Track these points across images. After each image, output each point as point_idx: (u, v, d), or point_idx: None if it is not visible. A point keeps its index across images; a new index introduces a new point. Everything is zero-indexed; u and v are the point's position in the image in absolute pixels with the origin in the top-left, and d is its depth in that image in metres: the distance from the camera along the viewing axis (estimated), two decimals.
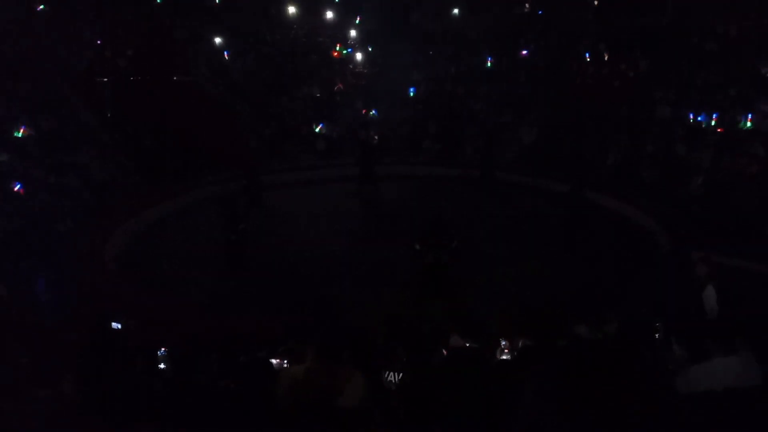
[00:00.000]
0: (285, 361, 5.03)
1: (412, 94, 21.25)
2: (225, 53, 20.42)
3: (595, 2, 21.80)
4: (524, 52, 21.51)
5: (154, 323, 7.67)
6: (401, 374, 4.39)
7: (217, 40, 20.83)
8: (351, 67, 22.47)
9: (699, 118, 16.04)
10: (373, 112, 20.63)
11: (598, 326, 5.68)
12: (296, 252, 11.64)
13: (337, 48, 22.57)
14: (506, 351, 5.38)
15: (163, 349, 4.94)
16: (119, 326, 6.46)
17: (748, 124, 15.01)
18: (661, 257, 11.20)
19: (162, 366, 5.00)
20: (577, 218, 11.76)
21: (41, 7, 18.51)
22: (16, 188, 12.38)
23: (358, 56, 22.50)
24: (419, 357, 4.95)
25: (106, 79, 18.32)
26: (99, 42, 19.00)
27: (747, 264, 10.26)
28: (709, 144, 14.83)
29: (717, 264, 7.22)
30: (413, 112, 20.63)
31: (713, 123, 15.74)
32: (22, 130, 14.48)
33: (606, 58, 19.76)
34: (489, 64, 21.63)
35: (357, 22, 23.19)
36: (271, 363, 4.95)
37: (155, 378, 4.88)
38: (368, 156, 15.71)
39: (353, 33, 23.20)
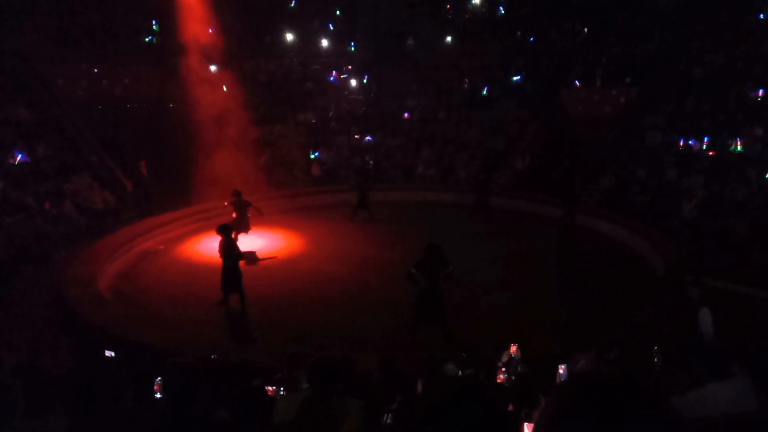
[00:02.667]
0: (280, 390, 4.99)
1: (405, 119, 21.51)
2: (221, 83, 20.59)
3: (585, 30, 22.21)
4: (515, 79, 21.84)
5: (147, 352, 7.58)
6: (396, 407, 4.35)
7: (212, 68, 21.03)
8: (346, 93, 22.74)
9: (691, 142, 16.25)
10: (368, 138, 20.83)
11: (599, 354, 5.68)
12: (291, 279, 11.60)
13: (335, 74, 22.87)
14: (503, 377, 5.34)
15: (158, 378, 4.87)
16: (112, 354, 6.40)
17: (739, 148, 15.20)
18: (655, 281, 11.22)
19: (157, 396, 4.93)
20: (570, 243, 11.78)
21: (31, 39, 18.72)
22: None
23: (353, 83, 22.80)
24: (413, 391, 4.91)
25: (102, 107, 18.48)
26: (95, 71, 19.21)
27: (739, 287, 10.31)
28: (700, 169, 15.00)
29: (709, 287, 7.25)
30: (407, 139, 20.85)
31: (703, 148, 15.95)
32: (18, 159, 14.51)
33: (596, 85, 20.08)
34: (483, 92, 21.92)
35: (352, 49, 23.54)
36: (266, 392, 4.90)
37: (148, 408, 4.81)
38: (363, 182, 15.81)
39: (347, 62, 23.54)
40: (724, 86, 17.32)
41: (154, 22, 21.68)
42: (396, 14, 22.91)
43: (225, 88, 20.72)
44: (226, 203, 13.24)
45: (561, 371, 5.03)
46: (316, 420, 3.62)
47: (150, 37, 21.44)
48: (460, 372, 5.31)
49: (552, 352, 6.38)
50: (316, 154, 19.87)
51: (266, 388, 4.89)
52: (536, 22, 23.38)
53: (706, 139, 16.06)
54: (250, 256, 12.60)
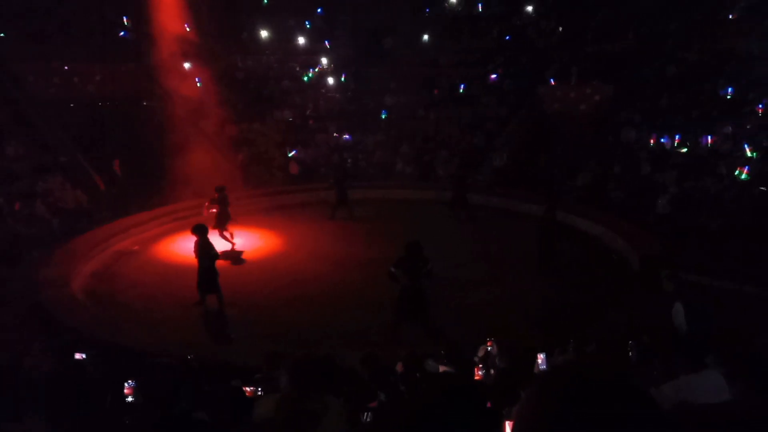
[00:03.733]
0: (258, 390, 4.95)
1: (384, 117, 21.51)
2: (196, 79, 20.34)
3: (560, 29, 22.42)
4: (493, 76, 21.97)
5: (123, 354, 7.47)
6: (377, 405, 4.35)
7: (186, 65, 20.78)
8: (324, 91, 22.64)
9: (663, 140, 16.53)
10: (346, 136, 20.77)
11: (577, 347, 5.76)
12: (270, 277, 11.53)
13: (309, 74, 22.76)
14: (483, 374, 5.37)
15: (130, 381, 4.79)
16: (83, 357, 6.28)
17: (711, 143, 15.51)
18: (632, 276, 11.40)
19: (130, 399, 4.85)
20: (552, 239, 11.85)
21: (2, 35, 18.30)
22: None
23: (330, 81, 22.69)
24: (395, 389, 4.91)
25: (74, 105, 18.11)
26: (66, 68, 18.81)
27: (713, 281, 10.51)
28: (674, 164, 15.27)
29: (685, 281, 7.38)
30: (386, 136, 20.84)
31: (676, 144, 16.24)
32: None
33: (572, 83, 20.31)
34: (461, 90, 22.00)
35: (328, 46, 23.46)
36: (246, 392, 4.86)
37: (127, 411, 4.74)
38: (342, 180, 15.75)
39: (325, 59, 23.43)
40: (697, 83, 17.65)
41: (126, 18, 21.32)
42: (374, 12, 22.84)
43: (200, 85, 20.51)
44: (207, 204, 12.97)
45: (540, 360, 5.07)
46: (295, 419, 3.60)
47: (123, 33, 21.07)
48: (440, 368, 5.33)
49: (532, 347, 6.44)
50: (294, 152, 19.76)
51: (244, 388, 4.85)
52: (512, 20, 23.58)
53: (677, 137, 16.36)
54: (233, 255, 12.56)
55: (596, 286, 10.95)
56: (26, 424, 4.22)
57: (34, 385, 5.22)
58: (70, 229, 13.52)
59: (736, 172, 13.93)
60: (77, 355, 5.98)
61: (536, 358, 5.09)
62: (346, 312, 9.84)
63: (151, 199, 15.53)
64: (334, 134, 20.86)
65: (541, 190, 15.45)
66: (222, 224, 12.83)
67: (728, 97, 16.68)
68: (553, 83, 20.68)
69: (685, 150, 15.90)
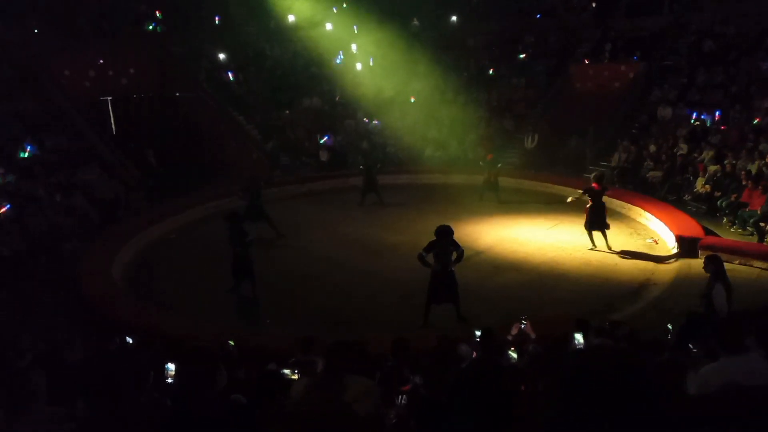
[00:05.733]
0: (296, 373, 5.02)
1: (412, 101, 21.36)
2: (228, 71, 20.53)
3: (593, 4, 21.85)
4: (523, 56, 21.59)
5: (162, 340, 7.67)
6: (409, 390, 4.38)
7: (219, 55, 20.99)
8: (351, 77, 22.58)
9: (703, 116, 16.06)
10: (375, 122, 20.73)
11: (610, 331, 5.70)
12: (302, 264, 11.65)
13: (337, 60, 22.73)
14: (515, 358, 5.35)
15: (169, 364, 4.93)
16: (130, 341, 6.50)
17: (755, 121, 14.99)
18: (668, 257, 11.17)
19: (169, 380, 4.98)
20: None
21: (36, 30, 18.69)
22: (4, 209, 12.14)
23: (359, 66, 22.61)
24: (427, 372, 4.94)
25: (109, 98, 18.49)
26: (101, 61, 19.17)
27: (753, 262, 10.25)
28: (712, 142, 14.82)
29: (724, 262, 7.20)
30: (414, 121, 20.71)
31: (716, 121, 15.76)
32: (27, 150, 14.58)
33: (606, 60, 19.82)
34: (490, 71, 21.69)
35: (355, 32, 23.36)
36: (282, 375, 4.94)
37: (165, 393, 4.88)
38: (371, 165, 15.74)
39: (353, 44, 23.34)
40: (735, 59, 17.04)
41: (157, 11, 21.60)
42: None
43: (231, 75, 20.69)
44: (238, 194, 13.13)
45: (576, 340, 5.06)
46: (330, 400, 3.65)
47: (154, 24, 21.35)
48: (474, 353, 5.33)
49: (564, 331, 6.39)
50: (325, 138, 19.82)
51: (283, 371, 4.93)
52: None
53: (717, 113, 15.87)
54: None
55: (632, 267, 10.77)
56: (73, 408, 4.39)
57: (77, 372, 5.42)
58: (108, 219, 13.87)
59: None
60: (127, 338, 6.17)
61: (571, 339, 5.07)
62: (377, 296, 9.89)
63: (184, 187, 15.81)
64: (363, 120, 20.83)
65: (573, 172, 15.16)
66: (253, 216, 12.92)
67: None
68: (584, 62, 20.21)
69: (724, 127, 15.42)
